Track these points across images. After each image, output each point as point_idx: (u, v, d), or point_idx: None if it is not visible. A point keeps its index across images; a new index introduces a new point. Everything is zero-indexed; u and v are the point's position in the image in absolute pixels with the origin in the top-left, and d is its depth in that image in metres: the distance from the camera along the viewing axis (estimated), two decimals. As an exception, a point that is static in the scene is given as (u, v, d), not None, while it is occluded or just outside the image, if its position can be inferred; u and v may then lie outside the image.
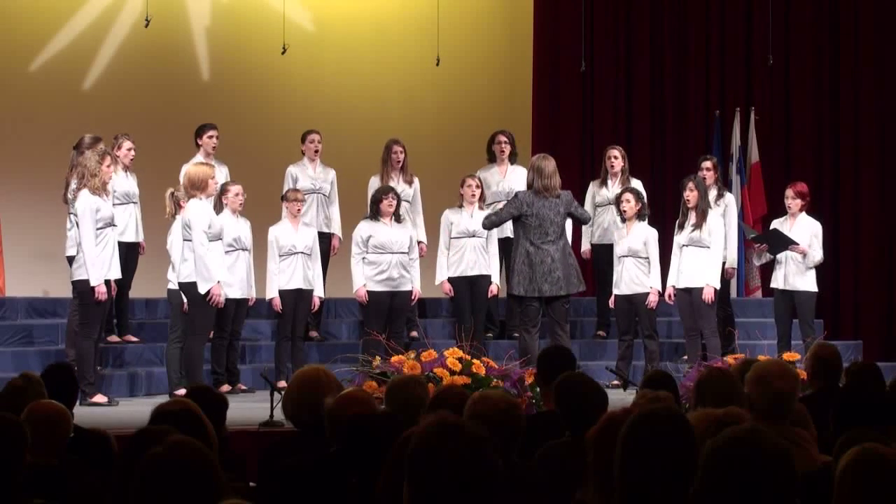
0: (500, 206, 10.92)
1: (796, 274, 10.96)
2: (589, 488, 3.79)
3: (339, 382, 5.24)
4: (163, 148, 12.08)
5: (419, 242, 11.54)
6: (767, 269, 12.04)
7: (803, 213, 11.09)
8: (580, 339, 11.88)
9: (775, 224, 11.21)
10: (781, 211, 11.38)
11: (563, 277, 10.04)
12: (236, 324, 10.57)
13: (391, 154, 11.54)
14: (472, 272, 11.09)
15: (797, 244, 10.91)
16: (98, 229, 9.53)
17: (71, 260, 9.88)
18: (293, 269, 10.78)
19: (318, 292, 10.95)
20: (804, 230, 11.00)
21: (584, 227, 11.49)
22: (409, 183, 11.60)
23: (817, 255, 11.00)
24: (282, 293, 10.75)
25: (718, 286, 10.82)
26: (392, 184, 11.37)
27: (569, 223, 10.61)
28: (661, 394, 4.82)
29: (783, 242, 10.93)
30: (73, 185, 9.78)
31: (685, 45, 14.03)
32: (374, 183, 11.40)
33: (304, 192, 11.19)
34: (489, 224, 10.50)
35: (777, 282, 11.07)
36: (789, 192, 11.15)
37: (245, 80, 13.42)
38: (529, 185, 10.24)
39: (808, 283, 10.99)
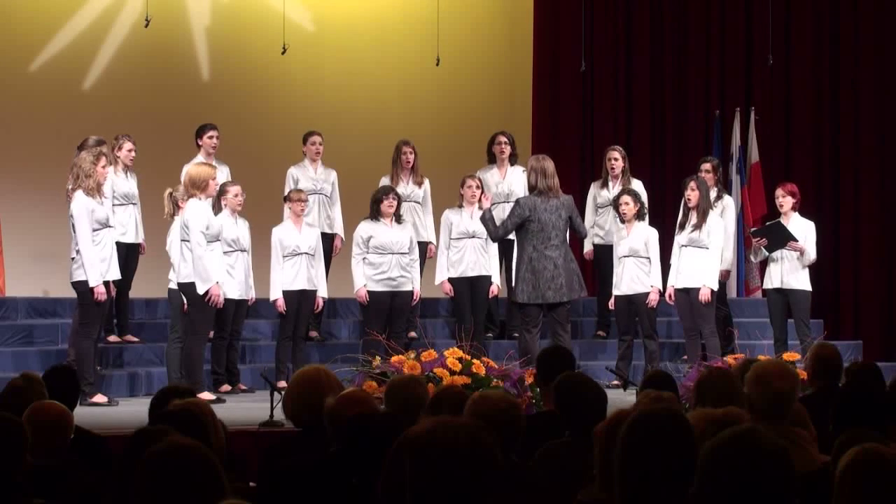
0: (500, 207, 10.94)
1: (791, 273, 10.90)
2: (595, 484, 3.79)
3: (339, 382, 5.25)
4: (163, 148, 12.07)
5: (428, 244, 11.53)
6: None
7: (796, 213, 11.04)
8: (580, 339, 11.87)
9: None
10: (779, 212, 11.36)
11: (566, 284, 9.93)
12: (236, 324, 10.58)
13: (401, 155, 11.53)
14: (473, 272, 11.08)
15: (797, 240, 10.88)
16: (94, 231, 9.50)
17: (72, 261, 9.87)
18: (297, 270, 10.77)
19: (322, 293, 10.95)
20: (798, 229, 10.95)
21: (586, 227, 11.45)
22: (419, 184, 11.58)
23: (812, 254, 10.98)
24: (285, 294, 10.74)
25: (716, 287, 10.80)
26: (402, 184, 11.36)
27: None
28: (665, 394, 4.82)
29: (783, 238, 10.88)
30: (69, 186, 9.74)
31: (685, 45, 14.02)
32: (385, 183, 11.38)
33: (306, 192, 11.19)
34: (494, 236, 10.21)
35: (771, 281, 10.99)
36: (780, 192, 11.08)
37: (245, 80, 13.42)
38: (531, 188, 10.14)
39: (802, 281, 10.93)
